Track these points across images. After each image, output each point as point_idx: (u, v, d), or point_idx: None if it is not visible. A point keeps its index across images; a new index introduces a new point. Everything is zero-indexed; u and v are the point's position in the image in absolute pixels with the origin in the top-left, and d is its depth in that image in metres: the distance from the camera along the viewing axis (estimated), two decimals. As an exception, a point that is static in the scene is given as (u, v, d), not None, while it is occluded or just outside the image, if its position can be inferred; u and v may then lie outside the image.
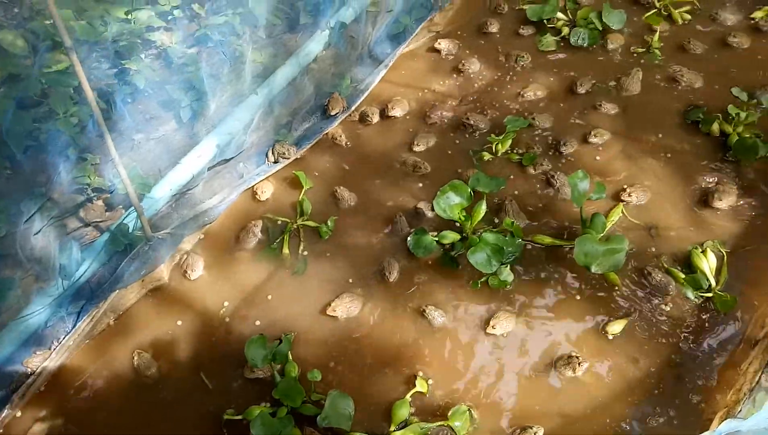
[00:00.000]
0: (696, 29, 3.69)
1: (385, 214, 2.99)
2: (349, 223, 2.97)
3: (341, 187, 3.06)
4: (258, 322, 2.64)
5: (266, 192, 3.08)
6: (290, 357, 2.50)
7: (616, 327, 2.54)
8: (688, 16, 3.76)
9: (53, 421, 2.44)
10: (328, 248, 2.88)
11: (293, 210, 3.03)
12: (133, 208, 2.73)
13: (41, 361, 2.55)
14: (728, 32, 3.61)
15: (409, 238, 2.84)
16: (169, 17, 3.76)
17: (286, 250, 2.85)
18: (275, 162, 3.22)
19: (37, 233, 2.44)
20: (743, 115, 3.11)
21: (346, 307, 2.64)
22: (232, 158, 3.12)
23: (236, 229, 2.96)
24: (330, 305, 2.64)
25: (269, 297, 2.72)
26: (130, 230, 2.84)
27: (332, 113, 3.40)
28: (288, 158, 3.20)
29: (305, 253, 2.86)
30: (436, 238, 2.82)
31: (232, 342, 2.59)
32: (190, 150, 3.15)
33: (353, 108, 3.44)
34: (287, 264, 2.82)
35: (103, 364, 2.57)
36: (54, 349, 2.58)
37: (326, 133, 3.33)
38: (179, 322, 2.65)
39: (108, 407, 2.46)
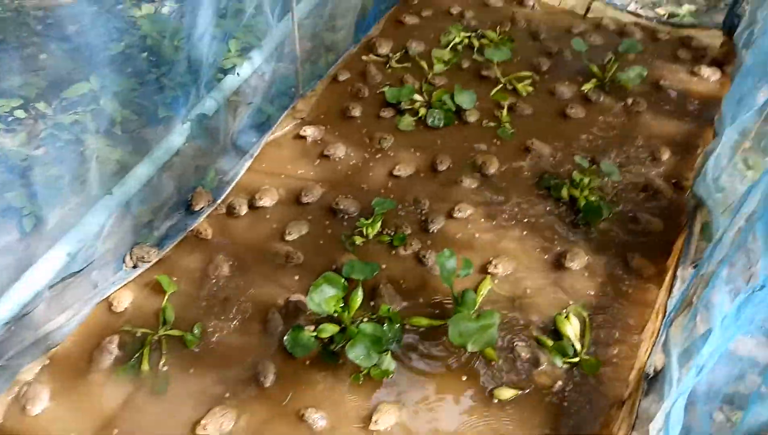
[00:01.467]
0: (538, 102, 4.02)
1: (258, 311, 2.87)
2: (219, 326, 2.80)
3: (209, 287, 2.90)
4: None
5: (124, 302, 2.85)
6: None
7: (504, 392, 2.57)
8: (531, 89, 4.10)
9: None
10: (196, 358, 2.69)
11: (156, 319, 2.82)
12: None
13: None
14: (566, 104, 3.96)
15: (285, 338, 2.72)
16: (9, 118, 3.50)
17: (145, 366, 2.62)
18: (134, 267, 3.00)
19: None
20: (586, 180, 3.39)
21: (218, 423, 2.44)
22: (82, 269, 2.87)
23: (90, 348, 2.69)
24: (200, 423, 2.43)
25: (118, 430, 2.45)
26: (-42, 365, 2.48)
27: (197, 208, 3.27)
28: (149, 261, 3.01)
29: (166, 368, 2.64)
30: (314, 334, 2.73)
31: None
32: (34, 262, 2.86)
33: (219, 201, 3.33)
34: (148, 382, 2.59)
35: None
36: None
37: (191, 230, 3.18)
38: (22, 468, 2.32)
39: None
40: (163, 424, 2.46)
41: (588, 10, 4.71)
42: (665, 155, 3.66)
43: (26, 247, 2.95)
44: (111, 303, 2.83)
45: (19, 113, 3.53)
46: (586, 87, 4.08)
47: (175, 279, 2.96)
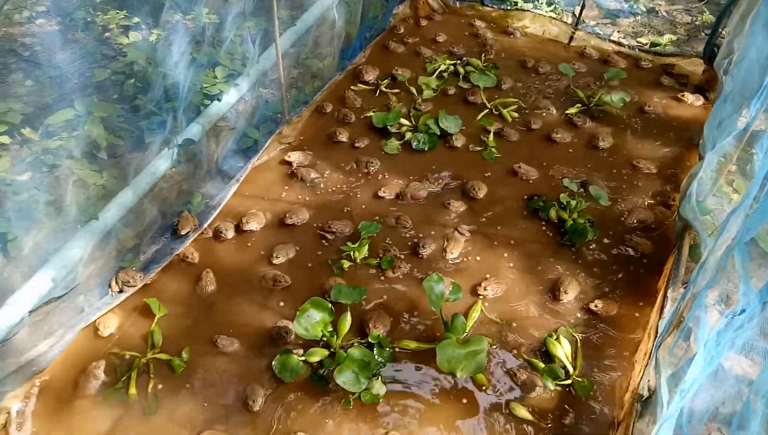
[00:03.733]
0: (524, 126, 4.07)
1: (246, 335, 2.82)
2: (207, 350, 2.75)
3: (196, 311, 2.85)
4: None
5: (110, 326, 2.79)
6: None
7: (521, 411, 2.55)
8: (516, 114, 4.15)
9: None
10: (184, 382, 2.62)
11: (143, 343, 2.76)
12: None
13: None
14: (551, 128, 4.01)
15: (274, 362, 2.67)
16: (-6, 144, 3.46)
17: (133, 390, 2.56)
18: (120, 291, 2.95)
19: None
20: (573, 203, 3.41)
21: (206, 449, 2.38)
22: (63, 295, 2.81)
23: (76, 373, 2.62)
24: (188, 449, 2.37)
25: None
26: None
27: (183, 233, 3.23)
28: (134, 286, 2.96)
29: (154, 391, 2.58)
30: (303, 358, 2.68)
31: None
32: (18, 288, 2.80)
33: (206, 225, 3.30)
34: (136, 406, 2.52)
35: None
36: None
37: (177, 254, 3.14)
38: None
39: None
40: (148, 453, 2.39)
41: (571, 39, 4.81)
42: (652, 178, 3.70)
43: (10, 272, 2.89)
44: (97, 328, 2.76)
45: (4, 139, 3.49)
46: (571, 111, 4.14)
47: (161, 303, 2.91)
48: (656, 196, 3.59)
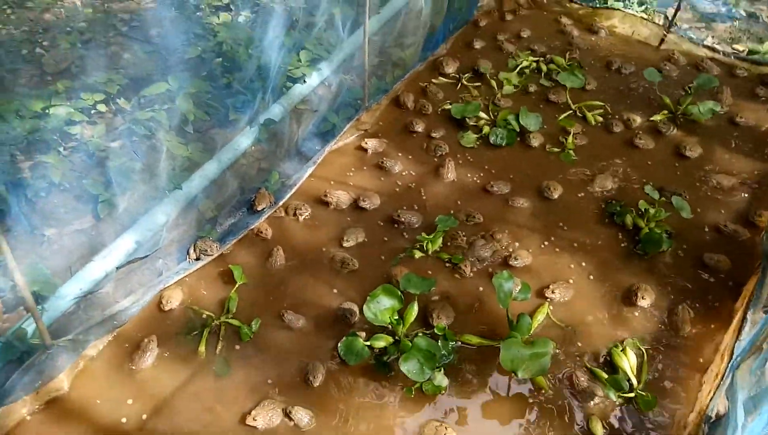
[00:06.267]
0: (606, 129, 3.96)
1: (311, 313, 2.90)
2: (274, 323, 2.85)
3: (266, 284, 2.96)
4: (169, 438, 2.42)
5: (185, 291, 2.93)
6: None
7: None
8: (600, 118, 4.04)
9: None
10: (250, 350, 2.73)
11: (216, 309, 2.88)
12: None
13: None
14: (635, 133, 3.88)
15: (339, 344, 2.73)
16: (92, 111, 3.69)
17: (202, 349, 2.69)
18: (197, 259, 3.09)
19: None
20: (652, 211, 3.29)
21: (267, 416, 2.47)
22: (146, 256, 2.98)
23: (151, 330, 2.77)
24: (250, 414, 2.46)
25: (167, 409, 2.52)
26: (29, 336, 2.60)
27: (259, 208, 3.35)
28: (211, 255, 3.09)
29: (230, 351, 2.70)
30: (368, 343, 2.73)
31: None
32: (106, 246, 3.00)
33: (281, 203, 3.40)
34: (203, 365, 2.65)
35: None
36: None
37: (252, 229, 3.26)
38: (78, 442, 2.39)
39: None
40: (213, 409, 2.51)
41: (662, 41, 4.63)
42: (738, 193, 3.53)
43: (99, 232, 3.09)
44: (172, 291, 2.91)
45: (101, 107, 3.72)
46: (656, 118, 3.99)
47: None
48: (742, 213, 3.42)
